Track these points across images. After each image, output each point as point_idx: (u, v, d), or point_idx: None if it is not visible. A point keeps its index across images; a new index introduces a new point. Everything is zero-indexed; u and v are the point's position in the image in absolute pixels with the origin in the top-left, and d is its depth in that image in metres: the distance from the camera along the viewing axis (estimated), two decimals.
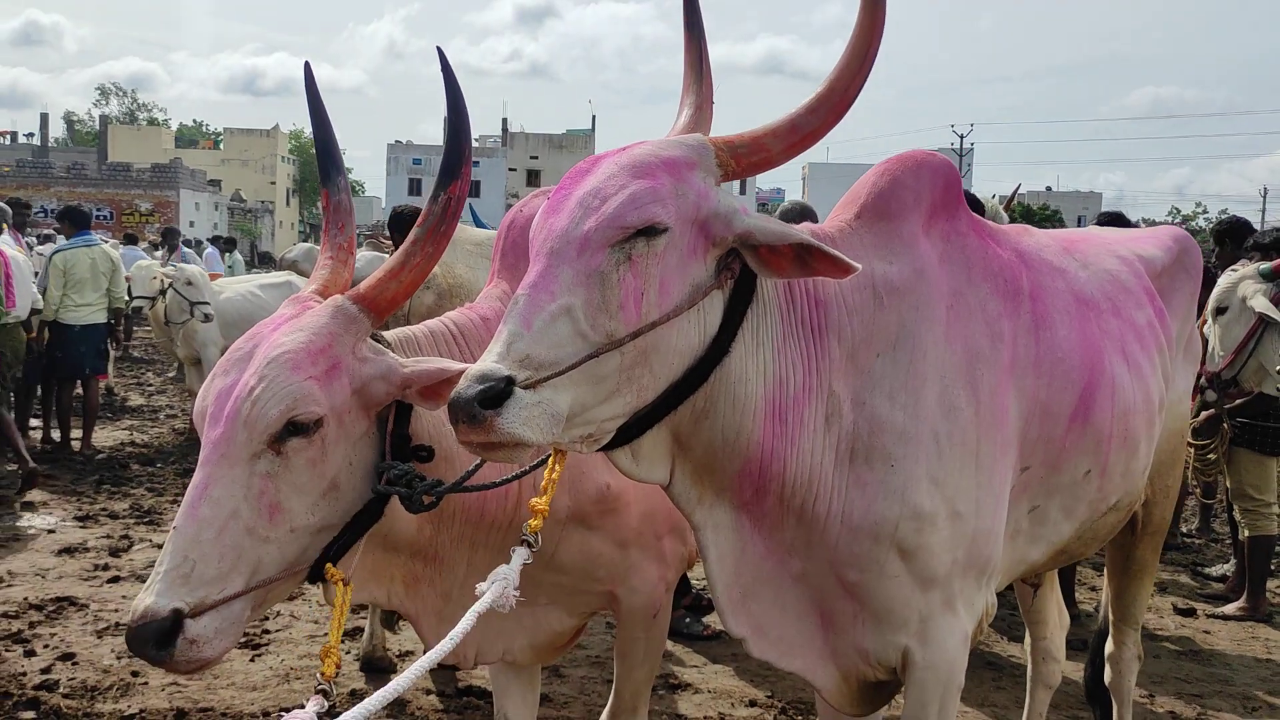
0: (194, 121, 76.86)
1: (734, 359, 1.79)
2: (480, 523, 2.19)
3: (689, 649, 4.57)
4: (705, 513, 1.93)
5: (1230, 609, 5.21)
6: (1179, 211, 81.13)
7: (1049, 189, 78.63)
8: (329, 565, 1.86)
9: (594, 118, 71.15)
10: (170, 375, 13.17)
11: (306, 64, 2.30)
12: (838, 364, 1.94)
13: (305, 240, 54.41)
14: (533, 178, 65.84)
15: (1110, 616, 3.09)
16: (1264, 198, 67.97)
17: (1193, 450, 5.09)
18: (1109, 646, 3.09)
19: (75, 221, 8.30)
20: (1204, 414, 5.06)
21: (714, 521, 1.94)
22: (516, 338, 1.58)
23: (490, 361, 1.56)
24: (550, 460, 1.88)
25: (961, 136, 58.08)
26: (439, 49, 2.11)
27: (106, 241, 9.49)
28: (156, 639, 1.66)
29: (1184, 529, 6.77)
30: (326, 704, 1.68)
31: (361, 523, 1.90)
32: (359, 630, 4.49)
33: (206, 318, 8.60)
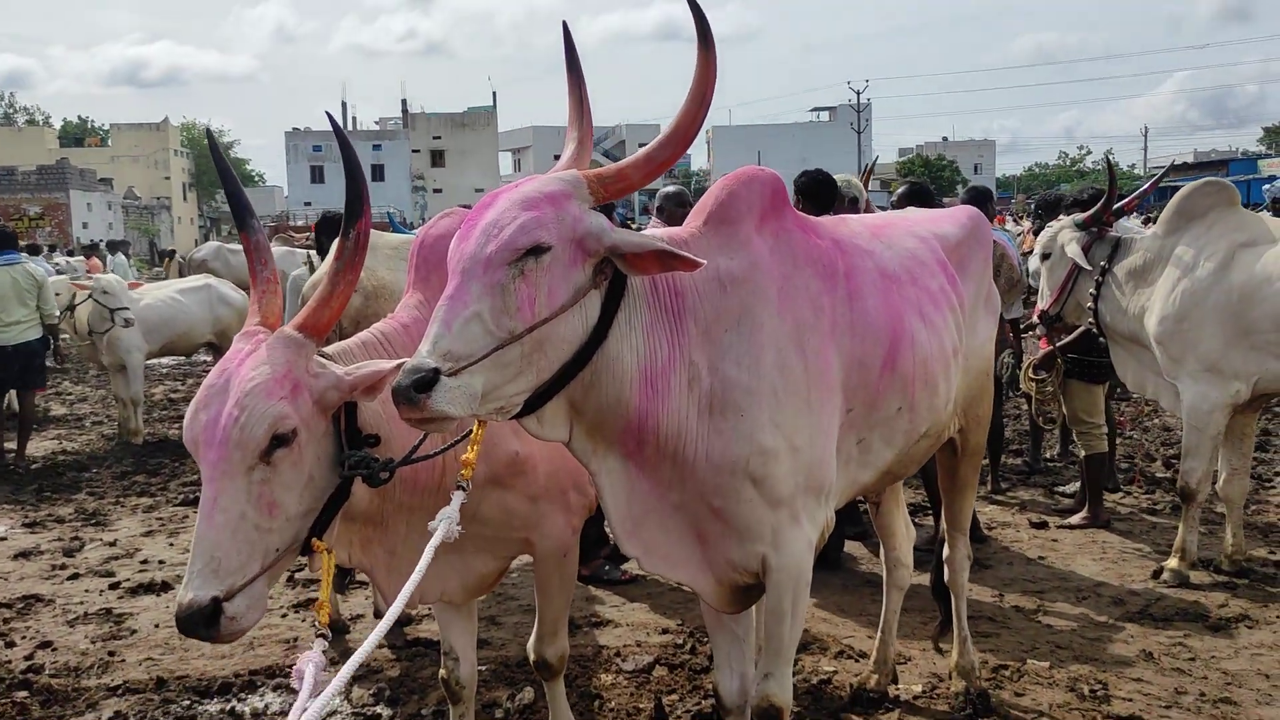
0: (79, 118, 74.29)
1: (611, 342, 2.33)
2: (414, 489, 2.71)
3: (609, 592, 5.19)
4: (600, 462, 2.47)
5: (1075, 519, 6.01)
6: (1066, 155, 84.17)
7: (945, 139, 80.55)
8: (314, 539, 2.36)
9: (494, 94, 71.15)
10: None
11: (209, 131, 2.82)
12: (695, 340, 2.49)
13: (206, 235, 53.40)
14: (437, 158, 65.29)
15: (945, 526, 3.77)
16: (1145, 136, 70.97)
17: (1034, 384, 5.86)
18: (945, 551, 3.78)
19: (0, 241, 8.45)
20: (1040, 353, 5.83)
21: (607, 468, 2.48)
22: (440, 338, 2.12)
23: (421, 357, 2.10)
24: (474, 428, 2.43)
25: (858, 93, 59.30)
26: (328, 113, 2.65)
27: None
28: (205, 621, 2.15)
29: (1046, 455, 7.60)
30: (326, 644, 2.24)
31: (336, 502, 2.40)
32: (313, 600, 4.99)
33: (127, 322, 8.86)
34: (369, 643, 2.00)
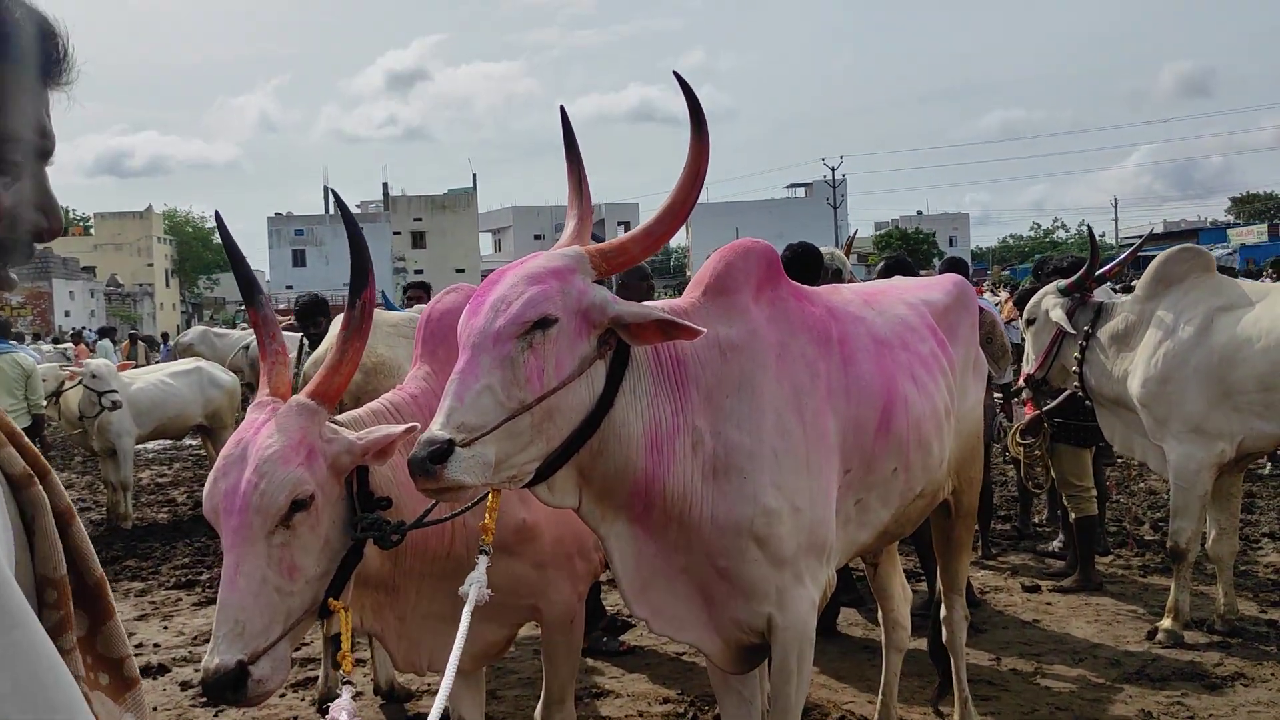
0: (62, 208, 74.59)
1: (617, 409, 2.42)
2: (424, 555, 2.77)
3: (608, 663, 5.18)
4: (608, 527, 2.54)
5: (1067, 583, 6.06)
6: (1039, 226, 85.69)
7: (920, 213, 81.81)
8: (330, 599, 2.42)
9: (474, 175, 72.08)
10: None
11: (217, 213, 2.95)
12: (698, 405, 2.59)
13: (189, 320, 53.40)
14: (418, 239, 65.90)
15: (941, 587, 3.83)
16: (1115, 208, 72.31)
17: (1021, 449, 5.97)
18: (942, 612, 3.83)
19: None
20: (1027, 418, 5.95)
21: (615, 533, 2.55)
22: (454, 410, 2.19)
23: (436, 429, 2.18)
24: (489, 497, 2.50)
25: (833, 169, 60.37)
26: (332, 189, 2.78)
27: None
28: (232, 685, 2.19)
29: (1035, 519, 7.66)
30: (355, 690, 2.28)
31: (350, 564, 2.46)
32: (312, 680, 4.96)
33: (115, 405, 8.87)
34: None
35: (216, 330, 16.53)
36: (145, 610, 6.59)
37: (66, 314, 43.79)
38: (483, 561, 2.40)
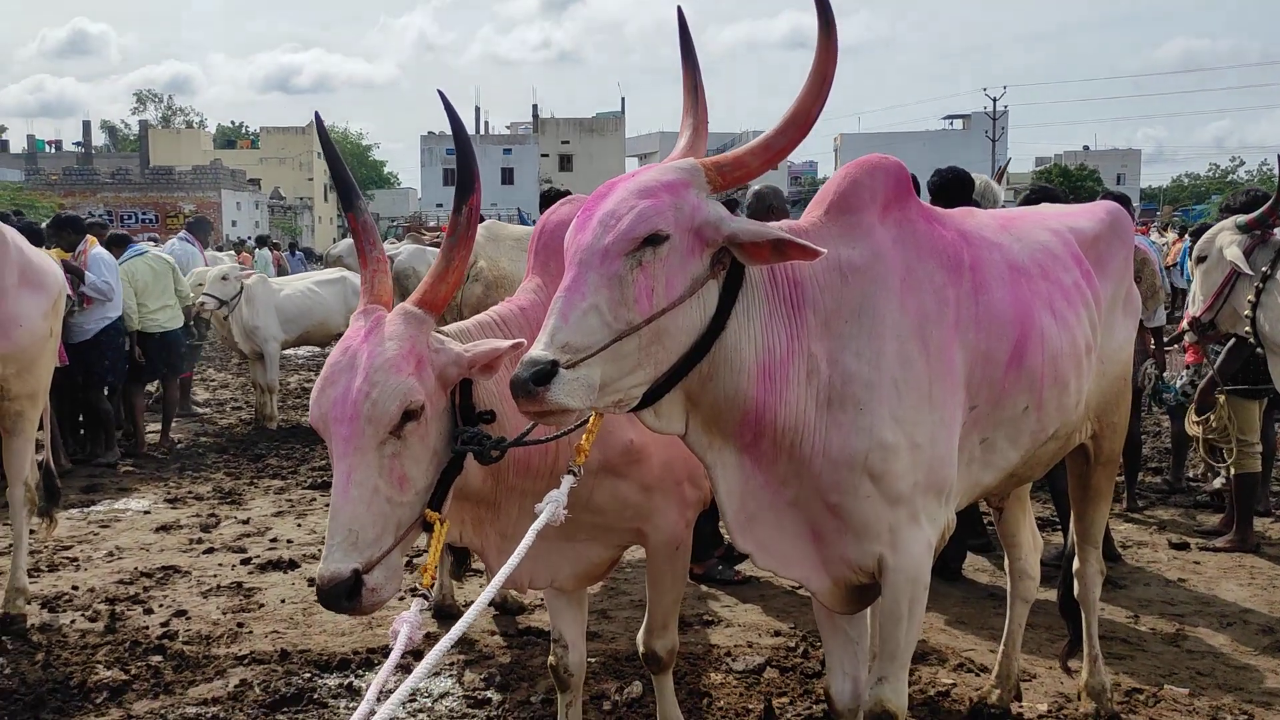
0: (232, 122, 78.09)
1: (729, 333, 2.28)
2: (526, 473, 2.72)
3: (722, 591, 5.13)
4: (715, 455, 2.43)
5: (1220, 542, 5.65)
6: (1218, 167, 79.96)
7: (1086, 148, 77.15)
8: (428, 510, 2.37)
9: (623, 100, 71.54)
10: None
11: (316, 114, 2.89)
12: (814, 331, 2.43)
13: (344, 233, 55.36)
14: (565, 162, 66.27)
15: (1074, 538, 3.59)
16: None
17: (1200, 428, 5.57)
18: (1075, 564, 3.60)
19: (118, 243, 8.71)
20: (1197, 390, 5.55)
21: (722, 461, 2.44)
22: (558, 330, 2.10)
23: (539, 350, 2.09)
24: (590, 419, 2.42)
25: (994, 100, 57.51)
26: (440, 91, 2.67)
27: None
28: (347, 593, 2.19)
29: (1190, 474, 7.18)
30: (426, 604, 2.26)
31: (449, 477, 2.41)
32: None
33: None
34: (469, 614, 2.04)
35: None
36: (282, 508, 6.90)
37: (233, 224, 45.91)
38: (567, 481, 2.33)
